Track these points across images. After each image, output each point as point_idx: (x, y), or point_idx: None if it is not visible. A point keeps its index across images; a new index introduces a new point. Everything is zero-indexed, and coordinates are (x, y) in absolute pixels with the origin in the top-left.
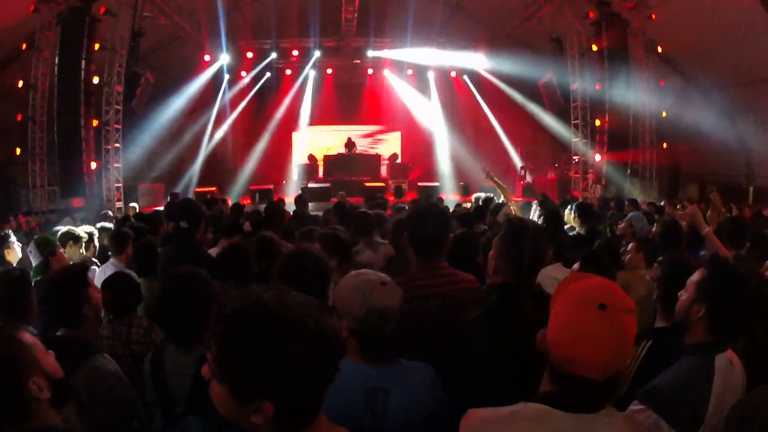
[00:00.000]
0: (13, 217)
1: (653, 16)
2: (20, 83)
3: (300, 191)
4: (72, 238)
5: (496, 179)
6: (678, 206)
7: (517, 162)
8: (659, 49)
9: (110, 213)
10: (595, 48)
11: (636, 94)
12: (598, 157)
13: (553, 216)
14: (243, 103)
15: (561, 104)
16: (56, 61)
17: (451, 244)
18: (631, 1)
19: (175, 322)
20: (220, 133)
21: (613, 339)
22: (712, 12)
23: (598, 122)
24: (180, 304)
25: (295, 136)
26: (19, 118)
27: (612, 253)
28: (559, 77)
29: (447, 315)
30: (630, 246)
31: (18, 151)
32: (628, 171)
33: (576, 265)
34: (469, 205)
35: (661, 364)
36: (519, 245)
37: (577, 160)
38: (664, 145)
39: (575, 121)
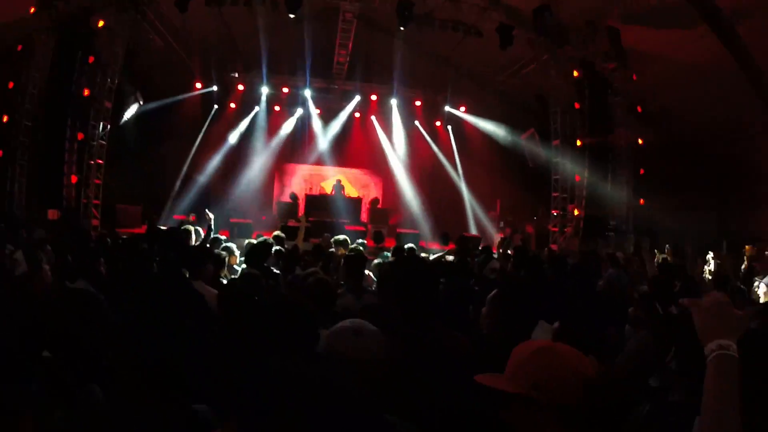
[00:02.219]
0: None
1: (634, 77)
2: (11, 85)
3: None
4: None
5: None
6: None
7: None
8: (639, 109)
9: None
10: (576, 106)
11: (615, 152)
12: (576, 212)
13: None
14: (229, 135)
15: (542, 160)
16: (49, 66)
17: (442, 296)
18: (612, 62)
19: None
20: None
21: None
22: (691, 71)
23: (577, 178)
24: None
25: (277, 173)
26: (5, 119)
27: None
28: (541, 133)
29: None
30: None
31: (0, 153)
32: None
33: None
34: (451, 258)
35: None
36: (510, 305)
37: (555, 214)
38: (641, 201)
39: (555, 176)
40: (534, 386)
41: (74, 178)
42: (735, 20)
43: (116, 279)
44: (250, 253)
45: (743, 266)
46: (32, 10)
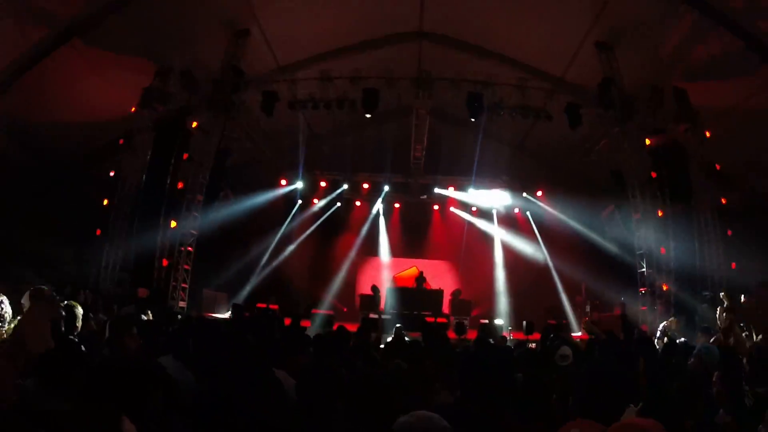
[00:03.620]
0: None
1: (707, 134)
2: (112, 173)
3: (361, 322)
4: None
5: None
6: None
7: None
8: (717, 167)
9: None
10: (653, 176)
11: (698, 217)
12: (664, 287)
13: None
14: (311, 228)
15: (624, 236)
16: (147, 160)
17: (521, 388)
18: (684, 123)
19: None
20: (285, 253)
21: None
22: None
23: (663, 251)
24: None
25: (359, 266)
26: (105, 202)
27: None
28: (622, 209)
29: None
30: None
31: (98, 232)
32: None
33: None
34: (534, 345)
35: None
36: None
37: (643, 292)
38: (733, 265)
39: (640, 251)
40: None
41: (165, 262)
42: None
43: (203, 358)
44: (328, 341)
45: None
46: (133, 109)
